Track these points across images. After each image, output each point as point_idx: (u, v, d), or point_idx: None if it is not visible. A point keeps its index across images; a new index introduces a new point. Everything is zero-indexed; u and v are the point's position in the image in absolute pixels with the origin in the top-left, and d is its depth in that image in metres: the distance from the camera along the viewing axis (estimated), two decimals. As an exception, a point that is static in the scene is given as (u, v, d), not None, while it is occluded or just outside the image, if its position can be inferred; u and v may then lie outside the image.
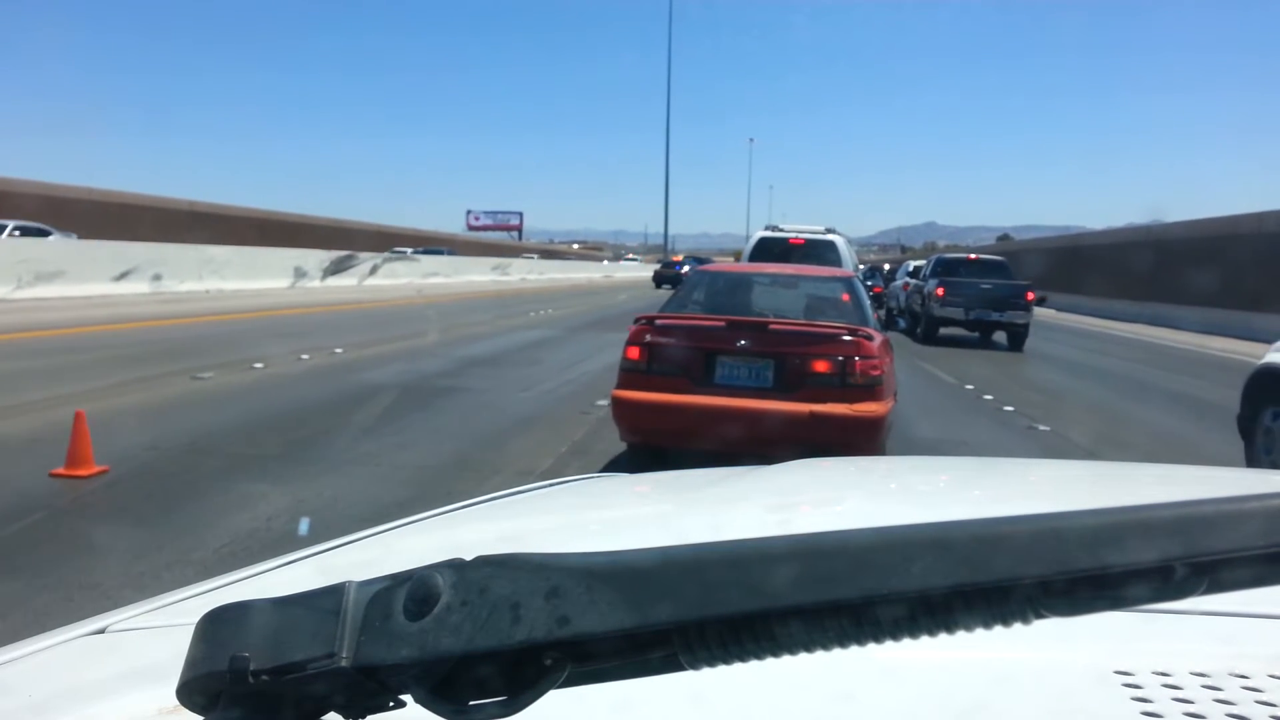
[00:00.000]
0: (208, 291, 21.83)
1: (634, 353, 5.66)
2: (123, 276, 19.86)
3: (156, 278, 20.77)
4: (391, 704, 0.43)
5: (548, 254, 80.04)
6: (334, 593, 0.43)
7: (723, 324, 5.67)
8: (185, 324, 14.74)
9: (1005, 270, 19.90)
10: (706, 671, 0.41)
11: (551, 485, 1.80)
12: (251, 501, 4.95)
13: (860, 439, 5.23)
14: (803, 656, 0.40)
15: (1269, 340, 6.69)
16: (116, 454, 5.63)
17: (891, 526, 0.41)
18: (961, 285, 18.31)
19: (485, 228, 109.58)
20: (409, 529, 1.33)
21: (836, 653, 0.40)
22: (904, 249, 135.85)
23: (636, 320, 5.88)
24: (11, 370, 8.98)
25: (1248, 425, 6.17)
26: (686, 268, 43.52)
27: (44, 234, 20.44)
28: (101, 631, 0.94)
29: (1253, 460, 6.03)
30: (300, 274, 26.89)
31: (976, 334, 18.67)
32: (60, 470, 5.24)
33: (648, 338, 5.67)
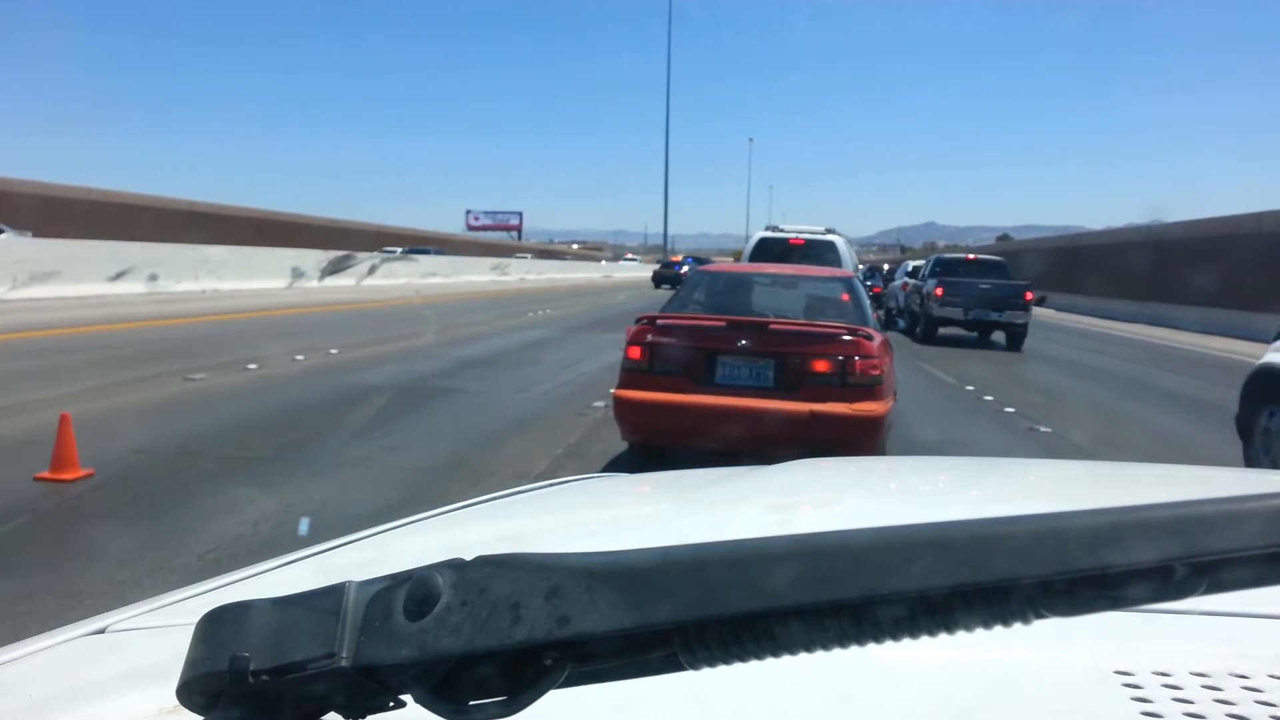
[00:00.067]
0: (204, 292, 21.80)
1: (635, 352, 5.67)
2: (118, 277, 19.82)
3: (153, 278, 20.73)
4: (391, 704, 0.43)
5: (545, 254, 79.99)
6: (334, 593, 0.43)
7: (723, 324, 5.69)
8: (180, 324, 14.69)
9: (1004, 270, 19.94)
10: (706, 671, 0.41)
11: (551, 485, 1.80)
12: (239, 506, 4.89)
13: (860, 438, 5.25)
14: (803, 656, 0.40)
15: (1269, 340, 6.69)
16: (104, 457, 5.56)
17: (891, 526, 0.41)
18: (960, 285, 18.34)
19: (485, 228, 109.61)
20: (408, 529, 1.33)
21: (836, 653, 0.40)
22: (904, 249, 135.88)
23: (638, 320, 5.89)
24: (2, 371, 8.92)
25: (1246, 425, 6.17)
26: (686, 267, 43.52)
27: None
28: (101, 631, 0.94)
29: (1251, 460, 6.04)
30: (298, 274, 26.89)
31: (975, 334, 18.70)
32: (45, 474, 5.16)
33: (649, 337, 5.68)
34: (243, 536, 4.42)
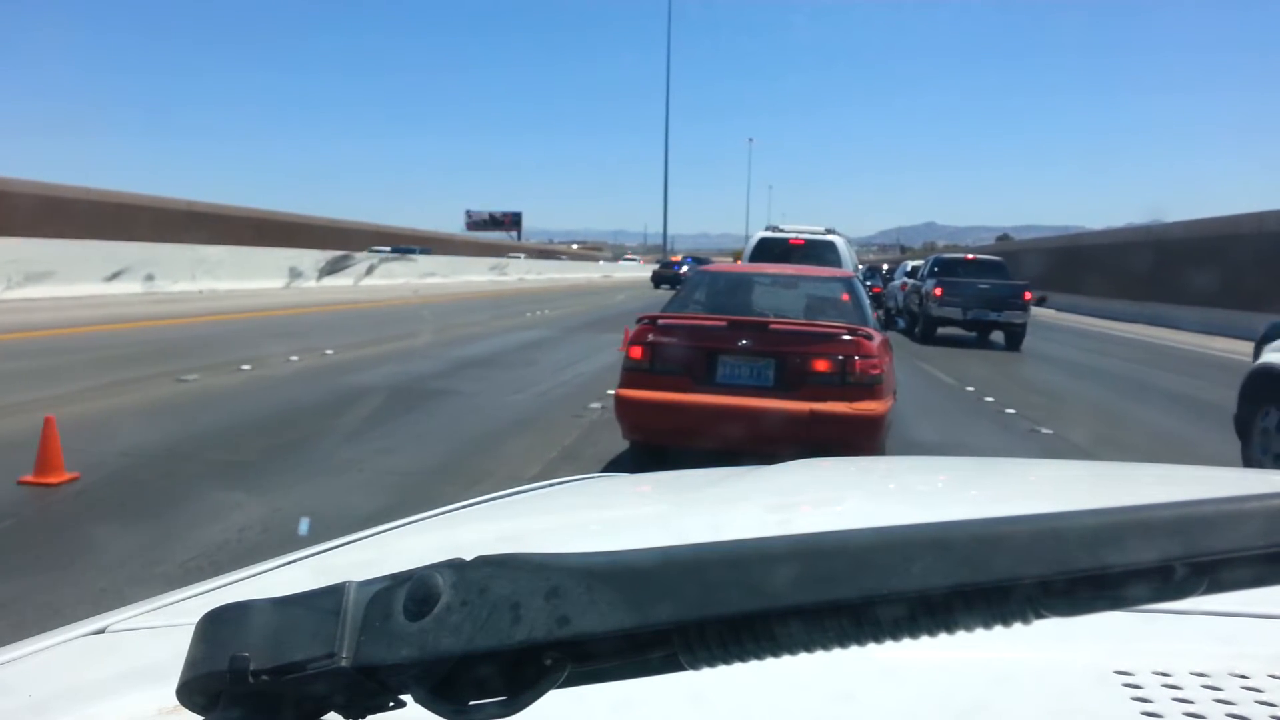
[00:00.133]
0: (201, 292, 21.75)
1: (637, 352, 5.69)
2: (114, 277, 19.78)
3: (149, 278, 20.69)
4: (391, 704, 0.43)
5: (544, 254, 79.92)
6: (334, 593, 0.43)
7: (724, 324, 5.71)
8: (176, 325, 14.62)
9: (1003, 270, 19.97)
10: (706, 671, 0.41)
11: (551, 485, 1.80)
12: (225, 511, 4.80)
13: (860, 437, 5.27)
14: (803, 656, 0.40)
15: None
16: (90, 460, 5.48)
17: (891, 526, 0.41)
18: (959, 285, 18.38)
19: (485, 227, 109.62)
20: (408, 529, 1.33)
21: (836, 653, 0.40)
22: (903, 249, 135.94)
23: (639, 320, 5.91)
24: (-8, 372, 8.84)
25: (1245, 425, 6.18)
26: (685, 268, 43.51)
27: None
28: (101, 631, 0.94)
29: (1249, 460, 6.04)
30: (295, 274, 26.87)
31: (974, 334, 18.74)
32: (29, 477, 5.08)
33: (650, 337, 5.70)
34: (227, 543, 4.34)
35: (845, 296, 6.33)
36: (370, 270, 31.04)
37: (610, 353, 12.77)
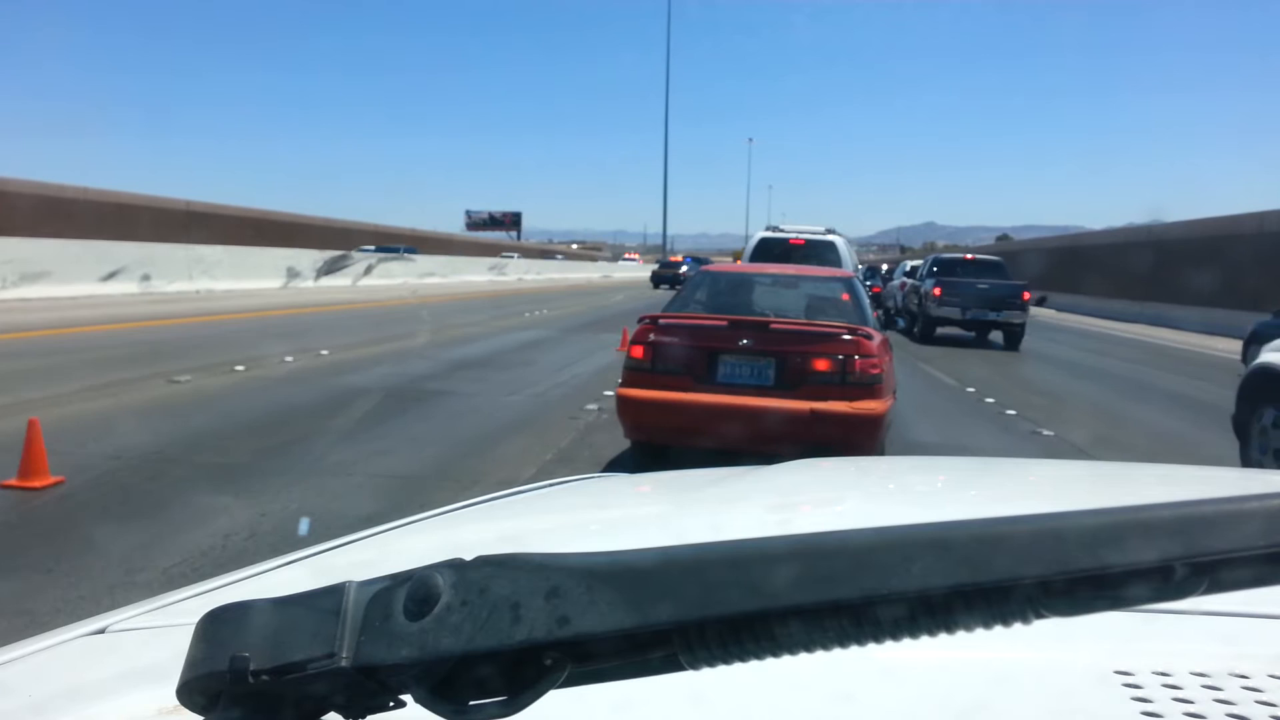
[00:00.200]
0: (198, 292, 21.69)
1: (638, 351, 5.70)
2: (110, 277, 19.72)
3: (145, 278, 20.61)
4: (391, 704, 0.43)
5: (543, 253, 79.87)
6: (334, 593, 0.43)
7: (725, 323, 5.72)
8: (171, 325, 14.55)
9: (1002, 270, 19.99)
10: (706, 671, 0.41)
11: (551, 485, 1.80)
12: (211, 516, 4.71)
13: (860, 436, 5.28)
14: (803, 656, 0.40)
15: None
16: (76, 463, 5.39)
17: (891, 526, 0.41)
18: (958, 285, 18.41)
19: (484, 227, 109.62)
20: (408, 529, 1.33)
21: (836, 653, 0.40)
22: (903, 249, 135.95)
23: (640, 320, 5.92)
24: (-14, 373, 8.75)
25: (1243, 425, 6.18)
26: (685, 268, 43.53)
27: None
28: (101, 631, 0.94)
29: (1248, 460, 6.05)
30: (293, 274, 26.83)
31: (973, 333, 18.76)
32: (12, 481, 4.98)
33: (651, 336, 5.72)
34: (212, 549, 4.25)
35: (845, 296, 6.35)
36: (368, 270, 31.02)
37: (608, 353, 12.76)
